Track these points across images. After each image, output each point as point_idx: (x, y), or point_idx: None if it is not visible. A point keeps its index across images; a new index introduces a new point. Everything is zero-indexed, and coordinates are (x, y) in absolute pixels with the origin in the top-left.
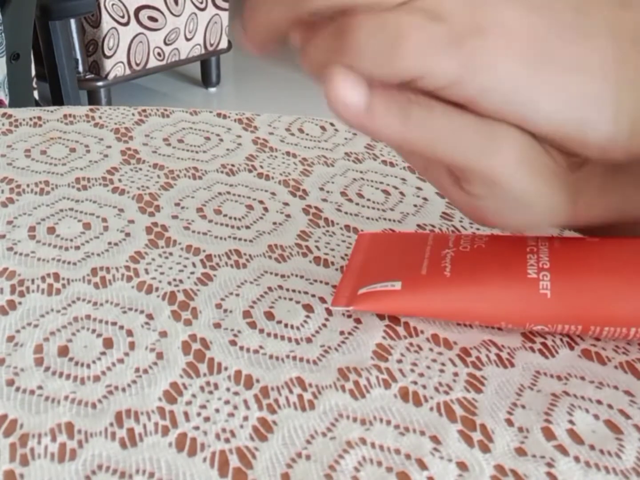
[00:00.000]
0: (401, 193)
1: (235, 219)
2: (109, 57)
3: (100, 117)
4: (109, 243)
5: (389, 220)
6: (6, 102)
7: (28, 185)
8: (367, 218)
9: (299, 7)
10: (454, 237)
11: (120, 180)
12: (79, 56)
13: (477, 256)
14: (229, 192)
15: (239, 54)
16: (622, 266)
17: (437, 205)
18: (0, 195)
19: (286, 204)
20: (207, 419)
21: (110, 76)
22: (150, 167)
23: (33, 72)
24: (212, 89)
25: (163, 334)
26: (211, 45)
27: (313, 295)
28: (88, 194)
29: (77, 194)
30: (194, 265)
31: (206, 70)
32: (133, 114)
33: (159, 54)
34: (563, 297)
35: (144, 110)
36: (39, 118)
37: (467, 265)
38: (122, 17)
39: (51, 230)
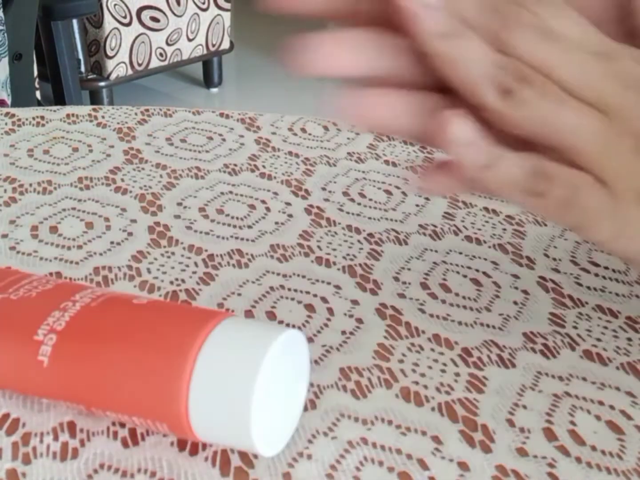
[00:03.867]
0: (403, 193)
1: (237, 218)
2: (111, 58)
3: (103, 117)
4: (111, 242)
5: (391, 220)
6: (8, 102)
7: (31, 185)
8: (369, 218)
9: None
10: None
11: (122, 180)
12: (81, 56)
13: (9, 307)
14: (231, 192)
15: (241, 54)
16: (142, 341)
17: (439, 205)
18: (3, 195)
19: (288, 203)
20: None
21: (112, 76)
22: (153, 167)
23: (35, 73)
24: (214, 90)
25: None
26: (213, 45)
27: (315, 295)
28: (90, 194)
29: (79, 193)
30: (196, 264)
31: (208, 71)
32: (136, 114)
33: (161, 55)
34: (60, 368)
35: (147, 110)
36: (42, 118)
37: None
38: (124, 17)
39: (54, 229)
